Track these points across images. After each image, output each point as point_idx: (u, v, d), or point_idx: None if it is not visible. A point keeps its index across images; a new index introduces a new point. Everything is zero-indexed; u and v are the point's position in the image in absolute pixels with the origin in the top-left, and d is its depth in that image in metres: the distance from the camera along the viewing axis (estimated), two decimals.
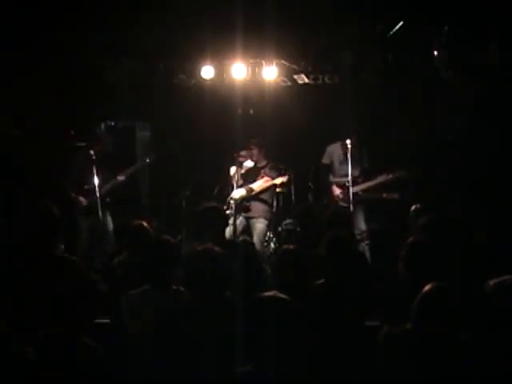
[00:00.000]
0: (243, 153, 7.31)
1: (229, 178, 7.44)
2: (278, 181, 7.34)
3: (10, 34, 6.66)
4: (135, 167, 7.37)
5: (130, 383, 3.44)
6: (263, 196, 7.34)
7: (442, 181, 7.60)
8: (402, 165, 7.65)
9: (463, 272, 3.96)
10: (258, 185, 7.26)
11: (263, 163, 7.39)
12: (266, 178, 7.30)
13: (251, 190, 7.23)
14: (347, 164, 7.02)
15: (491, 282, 3.42)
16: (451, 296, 2.98)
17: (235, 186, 7.14)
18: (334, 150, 7.61)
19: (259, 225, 7.20)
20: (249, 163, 7.43)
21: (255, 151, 7.35)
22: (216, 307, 3.26)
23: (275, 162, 7.43)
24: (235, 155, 7.26)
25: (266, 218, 7.29)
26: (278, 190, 7.65)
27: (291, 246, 3.97)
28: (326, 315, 3.57)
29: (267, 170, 7.35)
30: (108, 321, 4.05)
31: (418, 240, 3.93)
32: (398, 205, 7.23)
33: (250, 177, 7.30)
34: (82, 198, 6.91)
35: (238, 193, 7.14)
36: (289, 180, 7.48)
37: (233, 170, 7.32)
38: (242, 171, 7.25)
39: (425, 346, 2.95)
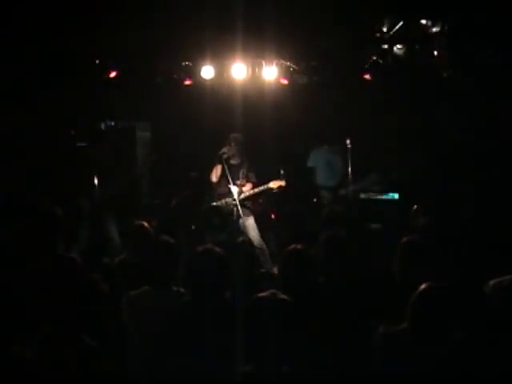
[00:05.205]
0: (224, 149, 7.26)
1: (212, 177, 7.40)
2: (275, 185, 7.35)
3: (9, 34, 6.66)
4: None
5: (130, 383, 3.44)
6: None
7: (441, 180, 7.60)
8: (402, 164, 7.67)
9: (463, 272, 3.96)
10: (246, 195, 7.29)
11: (238, 161, 7.36)
12: (249, 186, 7.33)
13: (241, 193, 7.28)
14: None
15: (491, 282, 3.42)
16: (445, 295, 2.98)
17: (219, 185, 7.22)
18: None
19: (250, 221, 7.28)
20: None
21: (232, 147, 7.28)
22: (216, 307, 3.25)
23: (248, 161, 7.42)
24: (218, 153, 7.22)
25: (252, 214, 7.40)
26: (275, 190, 7.63)
27: (299, 246, 3.94)
28: (325, 315, 3.57)
29: (246, 172, 7.35)
30: (108, 321, 4.04)
31: (412, 240, 3.93)
32: (398, 205, 7.25)
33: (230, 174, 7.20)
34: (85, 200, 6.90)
35: (235, 190, 7.14)
36: (287, 184, 7.46)
37: (217, 169, 7.28)
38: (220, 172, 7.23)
39: (420, 345, 2.95)
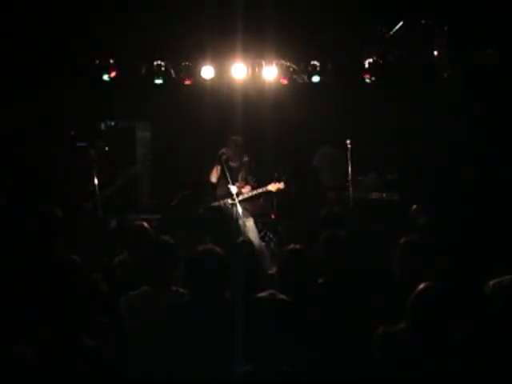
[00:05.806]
0: (223, 150, 7.26)
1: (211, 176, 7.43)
2: (274, 188, 7.33)
3: (9, 34, 6.67)
4: None
5: (130, 383, 3.43)
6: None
7: (441, 180, 7.60)
8: (403, 164, 7.66)
9: (463, 272, 3.96)
10: (244, 196, 7.28)
11: (237, 163, 7.36)
12: (248, 188, 7.32)
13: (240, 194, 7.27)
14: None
15: (491, 282, 3.43)
16: (445, 295, 2.98)
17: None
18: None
19: (249, 223, 7.26)
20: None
21: (231, 149, 7.29)
22: (216, 307, 3.26)
23: (248, 164, 7.42)
24: (218, 153, 7.24)
25: (252, 215, 7.38)
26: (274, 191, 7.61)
27: (297, 246, 3.93)
28: (325, 315, 3.57)
29: (245, 175, 7.34)
30: (108, 321, 4.05)
31: (412, 240, 3.93)
32: (398, 205, 7.24)
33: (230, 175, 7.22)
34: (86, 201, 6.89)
35: (234, 189, 7.14)
36: (286, 186, 7.43)
37: (217, 169, 7.31)
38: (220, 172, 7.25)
39: (419, 345, 2.95)
